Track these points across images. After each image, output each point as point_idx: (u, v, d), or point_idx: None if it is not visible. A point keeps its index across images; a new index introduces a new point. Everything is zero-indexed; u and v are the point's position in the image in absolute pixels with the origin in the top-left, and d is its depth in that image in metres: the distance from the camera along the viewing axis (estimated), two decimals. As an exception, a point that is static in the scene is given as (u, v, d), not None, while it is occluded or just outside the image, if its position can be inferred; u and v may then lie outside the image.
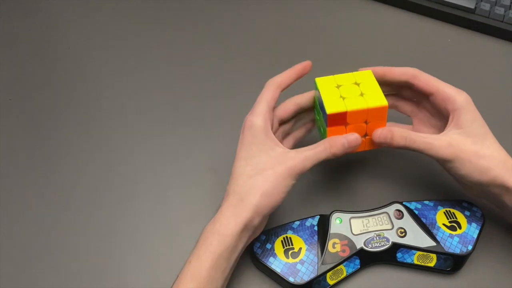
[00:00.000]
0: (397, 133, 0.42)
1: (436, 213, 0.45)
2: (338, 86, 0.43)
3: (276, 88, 0.44)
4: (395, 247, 0.43)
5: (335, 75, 0.44)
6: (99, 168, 0.52)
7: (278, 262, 0.42)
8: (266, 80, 0.45)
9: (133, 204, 0.49)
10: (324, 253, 0.42)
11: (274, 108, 0.44)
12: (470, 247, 0.43)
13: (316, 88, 0.44)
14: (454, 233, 0.44)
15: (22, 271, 0.45)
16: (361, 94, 0.42)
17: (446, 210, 0.45)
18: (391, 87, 0.47)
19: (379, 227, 0.44)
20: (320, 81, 0.44)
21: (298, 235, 0.44)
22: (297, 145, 0.47)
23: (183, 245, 0.41)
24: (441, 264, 0.43)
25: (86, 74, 0.61)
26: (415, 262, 0.43)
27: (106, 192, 0.50)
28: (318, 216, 0.46)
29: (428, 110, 0.47)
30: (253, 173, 0.40)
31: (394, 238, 0.43)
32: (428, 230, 0.44)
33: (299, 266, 0.42)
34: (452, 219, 0.45)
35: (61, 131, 0.55)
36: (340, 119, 0.42)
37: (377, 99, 0.42)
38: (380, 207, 0.45)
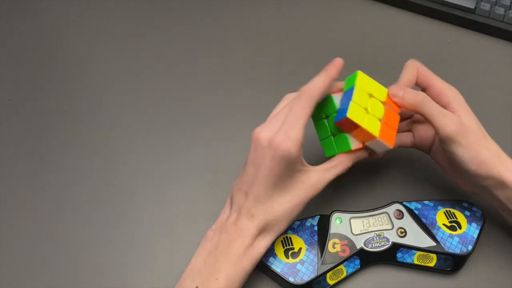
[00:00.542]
0: (410, 93, 0.42)
1: (436, 213, 0.45)
2: (370, 95, 0.42)
3: (314, 102, 0.40)
4: (395, 247, 0.43)
5: (374, 81, 0.43)
6: (99, 168, 0.52)
7: (278, 262, 0.42)
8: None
9: (133, 204, 0.49)
10: (324, 253, 0.42)
11: None
12: (470, 247, 0.43)
13: (350, 81, 0.43)
14: (454, 233, 0.44)
15: (22, 271, 0.45)
16: (383, 105, 0.42)
17: (446, 210, 0.45)
18: None
19: (379, 227, 0.44)
20: (351, 111, 0.40)
21: (298, 235, 0.44)
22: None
23: (183, 245, 0.41)
24: (441, 264, 0.43)
25: (86, 74, 0.61)
26: (415, 262, 0.43)
27: (106, 192, 0.50)
28: (318, 216, 0.46)
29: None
30: (282, 200, 0.40)
31: (394, 238, 0.43)
32: (428, 230, 0.44)
33: (299, 266, 0.42)
34: (452, 219, 0.45)
35: (61, 131, 0.55)
36: (351, 124, 0.41)
37: (389, 138, 0.42)
38: (380, 207, 0.45)
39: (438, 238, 0.43)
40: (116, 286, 0.44)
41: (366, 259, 0.43)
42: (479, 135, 0.41)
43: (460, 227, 0.44)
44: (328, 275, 0.42)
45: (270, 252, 0.43)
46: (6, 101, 0.58)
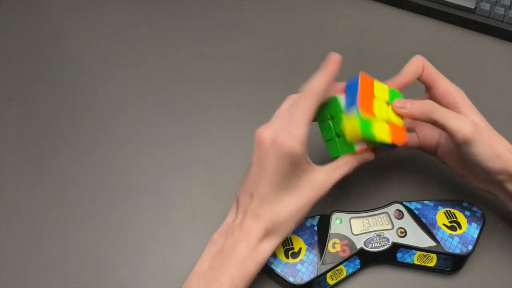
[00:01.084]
0: (416, 104, 0.42)
1: (436, 213, 0.45)
2: (375, 97, 0.42)
3: (318, 100, 0.40)
4: (395, 247, 0.43)
5: (376, 80, 0.43)
6: (99, 168, 0.52)
7: (278, 262, 0.42)
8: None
9: (133, 204, 0.49)
10: (324, 253, 0.42)
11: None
12: (470, 247, 0.43)
13: (343, 91, 0.42)
14: (454, 233, 0.44)
15: (22, 271, 0.45)
16: (388, 121, 0.42)
17: (446, 210, 0.45)
18: None
19: (379, 227, 0.44)
20: (363, 79, 0.41)
21: (298, 235, 0.44)
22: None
23: (184, 245, 0.41)
24: (441, 264, 0.43)
25: (86, 74, 0.61)
26: (415, 262, 0.43)
27: (106, 192, 0.50)
28: (318, 216, 0.46)
29: None
30: (288, 201, 0.39)
31: (394, 238, 0.43)
32: (428, 230, 0.44)
33: (299, 266, 0.42)
34: (452, 219, 0.45)
35: (61, 130, 0.55)
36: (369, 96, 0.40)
37: (400, 137, 0.42)
38: (380, 207, 0.45)
39: (438, 238, 0.43)
40: (116, 286, 0.44)
41: (366, 259, 0.43)
42: (490, 131, 0.41)
43: (460, 227, 0.44)
44: (328, 275, 0.42)
45: (270, 252, 0.43)
46: (6, 101, 0.58)
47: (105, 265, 0.45)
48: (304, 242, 0.44)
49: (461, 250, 0.43)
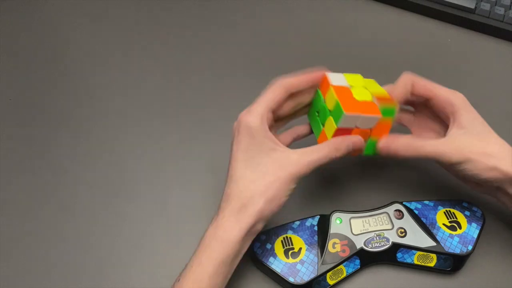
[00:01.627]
0: (399, 144, 0.42)
1: (436, 213, 0.45)
2: (350, 87, 0.42)
3: (282, 90, 0.41)
4: (395, 247, 0.43)
5: (345, 74, 0.43)
6: (99, 168, 0.52)
7: (278, 262, 0.42)
8: (266, 80, 0.43)
9: (133, 204, 0.49)
10: (324, 253, 0.42)
11: (275, 110, 0.42)
12: (470, 247, 0.43)
13: (323, 85, 0.43)
14: (454, 233, 0.44)
15: (22, 271, 0.45)
16: (373, 100, 0.42)
17: (446, 210, 0.45)
18: None
19: (379, 227, 0.44)
20: (333, 77, 0.42)
21: (298, 235, 0.44)
22: (297, 141, 0.46)
23: (184, 246, 0.41)
24: (441, 264, 0.43)
25: (86, 74, 0.61)
26: (415, 262, 0.43)
27: (106, 192, 0.50)
28: (318, 216, 0.46)
29: (425, 115, 0.47)
30: (254, 177, 0.39)
31: (394, 238, 0.43)
32: (428, 230, 0.44)
33: (299, 266, 0.42)
34: (452, 219, 0.45)
35: (61, 131, 0.55)
36: (352, 121, 0.41)
37: (389, 104, 0.42)
38: (380, 207, 0.45)
39: (438, 238, 0.43)
40: (116, 286, 0.44)
41: (366, 259, 0.43)
42: (483, 144, 0.40)
43: (460, 227, 0.44)
44: (328, 275, 0.42)
45: (270, 252, 0.43)
46: (6, 101, 0.58)
47: (105, 265, 0.45)
48: (304, 242, 0.44)
49: (461, 250, 0.43)
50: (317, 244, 0.43)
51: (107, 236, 0.47)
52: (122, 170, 0.52)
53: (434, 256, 0.43)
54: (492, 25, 0.62)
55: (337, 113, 0.41)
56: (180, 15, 0.67)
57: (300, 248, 0.43)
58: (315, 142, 0.44)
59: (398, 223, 0.44)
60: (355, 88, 0.42)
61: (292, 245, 0.43)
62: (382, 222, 0.44)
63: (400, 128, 0.49)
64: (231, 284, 0.42)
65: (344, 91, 0.41)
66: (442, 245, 0.43)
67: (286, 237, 0.44)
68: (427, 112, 0.46)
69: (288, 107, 0.44)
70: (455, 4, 0.64)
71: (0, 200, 0.49)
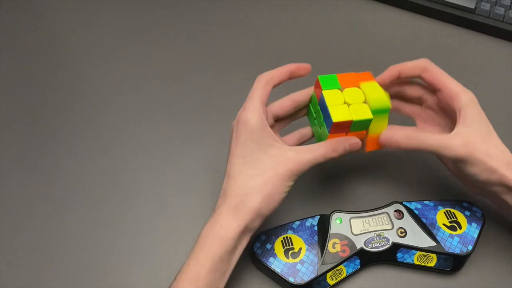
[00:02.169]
0: (401, 135, 0.41)
1: (436, 213, 0.45)
2: (341, 89, 0.42)
3: (266, 84, 0.42)
4: (395, 247, 0.43)
5: (338, 74, 0.43)
6: (98, 168, 0.52)
7: (278, 262, 0.42)
8: None
9: (133, 204, 0.49)
10: (324, 253, 0.42)
11: (266, 104, 0.43)
12: (470, 247, 0.43)
13: (317, 87, 0.43)
14: (454, 233, 0.44)
15: (22, 270, 0.45)
16: (365, 101, 0.42)
17: (446, 210, 0.45)
18: (396, 88, 0.47)
19: (379, 227, 0.44)
20: (323, 80, 0.42)
21: (298, 235, 0.44)
22: (301, 143, 0.47)
23: (184, 246, 0.41)
24: (441, 264, 0.43)
25: (86, 74, 0.61)
26: (415, 262, 0.43)
27: (106, 192, 0.50)
28: (318, 216, 0.46)
29: (432, 109, 0.46)
30: (252, 173, 0.39)
31: (394, 238, 0.43)
32: (428, 230, 0.44)
33: (299, 266, 0.42)
34: (452, 219, 0.45)
35: (61, 131, 0.55)
36: (344, 126, 0.41)
37: (382, 103, 0.42)
38: (380, 207, 0.45)
39: (438, 238, 0.43)
40: (116, 286, 0.44)
41: (366, 259, 0.43)
42: (487, 146, 0.40)
43: (460, 227, 0.44)
44: (328, 275, 0.42)
45: (270, 252, 0.43)
46: (6, 101, 0.58)
47: (104, 265, 0.45)
48: (304, 242, 0.44)
49: (461, 250, 0.43)
50: (317, 244, 0.43)
51: (107, 236, 0.47)
52: (122, 170, 0.52)
53: (434, 256, 0.43)
54: (492, 25, 0.62)
55: (328, 121, 0.41)
56: (180, 15, 0.67)
57: (300, 248, 0.43)
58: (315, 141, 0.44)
59: (398, 223, 0.44)
60: (347, 90, 0.42)
61: (292, 245, 0.43)
62: (382, 222, 0.44)
63: (405, 120, 0.49)
64: (231, 284, 0.42)
65: (335, 96, 0.42)
66: (442, 245, 0.43)
67: (286, 237, 0.44)
68: (434, 106, 0.46)
69: (288, 108, 0.44)
70: (455, 4, 0.64)
71: (0, 200, 0.49)
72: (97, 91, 0.59)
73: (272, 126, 0.44)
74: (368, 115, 0.41)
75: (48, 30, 0.66)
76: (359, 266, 0.43)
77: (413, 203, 0.46)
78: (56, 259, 0.46)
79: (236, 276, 0.43)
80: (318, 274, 0.41)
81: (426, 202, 0.46)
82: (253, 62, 0.61)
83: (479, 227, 0.44)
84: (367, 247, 0.43)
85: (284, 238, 0.44)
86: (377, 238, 0.43)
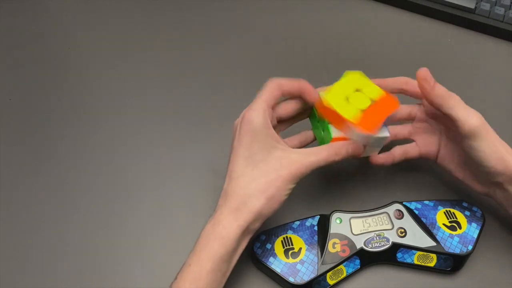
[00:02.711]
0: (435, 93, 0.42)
1: (436, 213, 0.45)
2: (358, 90, 0.42)
3: (275, 88, 0.42)
4: (395, 247, 0.43)
5: (333, 85, 0.43)
6: (99, 168, 0.52)
7: (278, 262, 0.42)
8: (266, 80, 0.44)
9: (133, 204, 0.49)
10: (324, 253, 0.42)
11: (274, 106, 0.43)
12: (470, 247, 0.43)
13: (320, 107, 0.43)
14: (454, 233, 0.44)
15: (22, 270, 0.45)
16: (372, 101, 0.42)
17: (446, 210, 0.45)
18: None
19: (379, 227, 0.44)
20: (325, 95, 0.42)
21: (298, 235, 0.44)
22: (304, 145, 0.47)
23: (184, 246, 0.41)
24: (441, 264, 0.43)
25: (86, 74, 0.61)
26: (415, 262, 0.43)
27: (106, 192, 0.50)
28: (318, 216, 0.46)
29: (423, 120, 0.47)
30: (255, 174, 0.39)
31: (394, 238, 0.43)
32: (428, 230, 0.44)
33: (299, 266, 0.42)
34: (452, 219, 0.45)
35: (61, 131, 0.55)
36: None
37: (390, 102, 0.42)
38: (380, 207, 0.45)
39: (438, 238, 0.43)
40: (116, 286, 0.44)
41: (366, 259, 0.43)
42: (495, 133, 0.41)
43: (460, 227, 0.44)
44: (328, 275, 0.42)
45: (270, 252, 0.43)
46: (6, 101, 0.58)
47: (104, 265, 0.45)
48: (304, 242, 0.44)
49: (461, 250, 0.43)
50: (317, 244, 0.43)
51: (107, 236, 0.47)
52: (122, 170, 0.52)
53: (434, 256, 0.43)
54: (492, 25, 0.62)
55: (328, 136, 0.42)
56: (182, 17, 0.67)
57: (300, 248, 0.43)
58: (317, 143, 0.44)
59: (398, 223, 0.44)
60: (350, 99, 0.42)
61: (292, 245, 0.43)
62: (382, 222, 0.44)
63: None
64: (231, 284, 0.42)
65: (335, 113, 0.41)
66: (442, 245, 0.43)
67: (286, 237, 0.44)
68: (424, 116, 0.47)
69: (290, 109, 0.44)
70: (455, 4, 0.64)
71: (0, 200, 0.50)
72: (98, 91, 0.59)
73: (274, 127, 0.43)
74: (350, 117, 0.41)
75: (48, 30, 0.66)
76: (359, 266, 0.43)
77: (413, 203, 0.46)
78: (56, 259, 0.46)
79: (236, 276, 0.43)
80: (318, 274, 0.41)
81: (426, 202, 0.46)
82: (253, 63, 0.61)
83: (479, 227, 0.44)
84: (367, 247, 0.43)
85: (284, 238, 0.44)
86: (377, 238, 0.43)
